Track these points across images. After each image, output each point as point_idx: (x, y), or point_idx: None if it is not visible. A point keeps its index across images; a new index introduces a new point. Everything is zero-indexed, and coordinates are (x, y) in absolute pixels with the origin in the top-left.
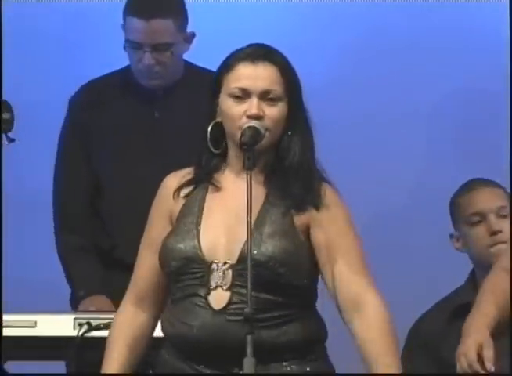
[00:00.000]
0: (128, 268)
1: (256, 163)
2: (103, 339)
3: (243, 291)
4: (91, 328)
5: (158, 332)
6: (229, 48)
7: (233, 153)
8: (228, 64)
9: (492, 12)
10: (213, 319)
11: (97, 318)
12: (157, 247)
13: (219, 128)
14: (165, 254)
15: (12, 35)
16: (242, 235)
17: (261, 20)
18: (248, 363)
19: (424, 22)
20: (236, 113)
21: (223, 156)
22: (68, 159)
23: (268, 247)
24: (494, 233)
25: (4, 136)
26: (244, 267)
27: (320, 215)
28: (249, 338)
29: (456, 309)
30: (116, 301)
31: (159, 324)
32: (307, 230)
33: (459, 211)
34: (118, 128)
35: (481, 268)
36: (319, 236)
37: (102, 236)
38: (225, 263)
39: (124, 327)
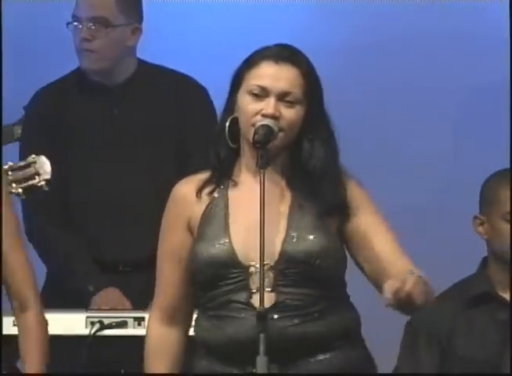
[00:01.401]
0: (101, 264)
1: (271, 163)
2: (115, 338)
3: (288, 289)
4: (103, 327)
5: None
6: (230, 47)
7: (248, 152)
8: (251, 61)
9: (495, 9)
10: (260, 320)
11: (109, 316)
12: (180, 257)
13: (236, 124)
14: (197, 263)
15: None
16: (274, 234)
17: (263, 19)
18: (261, 362)
19: (428, 20)
20: (252, 111)
21: (237, 153)
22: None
23: (306, 244)
24: None
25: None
26: (285, 266)
27: (351, 212)
28: (262, 336)
29: (469, 300)
30: None
31: None
32: (340, 228)
33: (496, 204)
34: (78, 128)
35: (500, 261)
36: (354, 226)
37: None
38: (265, 264)
39: (160, 349)
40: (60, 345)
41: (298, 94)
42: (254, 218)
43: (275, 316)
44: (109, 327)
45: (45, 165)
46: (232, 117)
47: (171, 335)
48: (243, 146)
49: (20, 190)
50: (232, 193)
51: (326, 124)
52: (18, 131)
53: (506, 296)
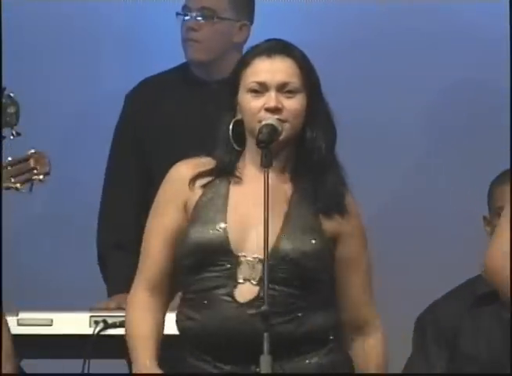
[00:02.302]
0: None
1: (277, 158)
2: (119, 337)
3: (273, 285)
4: (107, 326)
5: (173, 330)
6: None
7: (253, 149)
8: (245, 60)
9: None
10: (237, 312)
11: (113, 316)
12: (171, 235)
13: (240, 126)
14: (188, 245)
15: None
16: (271, 230)
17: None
18: (265, 361)
19: (425, 19)
20: (255, 107)
21: (241, 151)
22: (120, 155)
23: (300, 242)
24: None
25: (10, 130)
26: (275, 263)
27: (345, 226)
28: (266, 335)
29: (476, 299)
30: None
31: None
32: (333, 238)
33: (493, 200)
34: (171, 125)
35: None
36: (340, 250)
37: None
38: (255, 257)
39: (143, 311)
40: (64, 344)
41: (296, 83)
42: (252, 212)
43: (254, 311)
44: (113, 326)
45: (43, 159)
46: (235, 119)
47: (154, 303)
48: (249, 142)
49: (18, 185)
50: (235, 185)
51: (327, 114)
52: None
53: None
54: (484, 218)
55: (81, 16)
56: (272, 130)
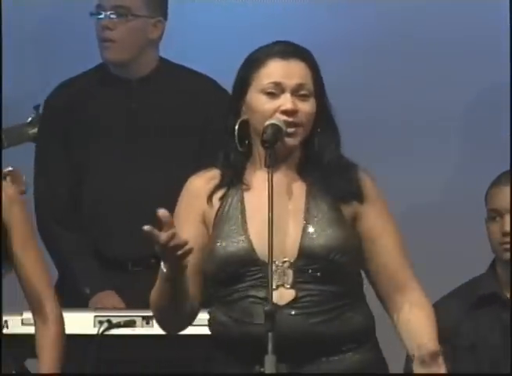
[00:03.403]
0: (110, 262)
1: (286, 160)
2: (123, 337)
3: (308, 286)
4: (111, 326)
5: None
6: (237, 44)
7: (262, 152)
8: (256, 61)
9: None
10: (279, 315)
11: (117, 315)
12: (194, 247)
13: (244, 127)
14: (216, 261)
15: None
16: (292, 231)
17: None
18: (269, 361)
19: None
20: (269, 110)
21: (246, 154)
22: (48, 158)
23: (324, 238)
24: (505, 234)
25: None
26: (305, 263)
27: (364, 207)
28: (270, 335)
29: (477, 299)
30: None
31: None
32: (354, 221)
33: (486, 202)
34: (97, 123)
35: (498, 261)
36: (365, 229)
37: (83, 232)
38: (284, 262)
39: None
40: (68, 344)
41: (310, 86)
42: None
43: (293, 312)
44: (118, 326)
45: (19, 177)
46: (241, 120)
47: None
48: (257, 145)
49: None
50: (247, 192)
51: (332, 117)
52: (30, 131)
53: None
54: (486, 220)
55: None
56: (277, 130)
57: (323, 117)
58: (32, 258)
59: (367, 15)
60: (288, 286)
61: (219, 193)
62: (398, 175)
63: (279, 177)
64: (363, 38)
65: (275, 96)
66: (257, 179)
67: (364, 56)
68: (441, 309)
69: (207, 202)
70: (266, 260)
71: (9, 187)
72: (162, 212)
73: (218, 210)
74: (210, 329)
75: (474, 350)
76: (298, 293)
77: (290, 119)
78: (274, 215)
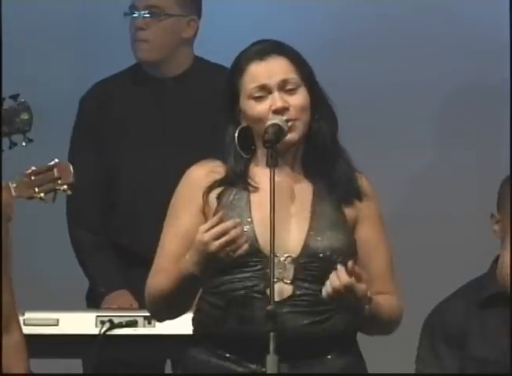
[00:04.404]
0: (145, 261)
1: (286, 156)
2: (125, 337)
3: (306, 284)
4: (113, 326)
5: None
6: (236, 42)
7: (264, 153)
8: (239, 68)
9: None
10: (269, 318)
11: (119, 315)
12: (188, 238)
13: (245, 133)
14: None
15: (24, 34)
16: (298, 228)
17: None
18: (271, 361)
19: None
20: (261, 112)
21: (251, 158)
22: (80, 157)
23: (328, 240)
24: None
25: (22, 136)
26: (307, 261)
27: (363, 208)
28: (272, 335)
29: (483, 300)
30: (137, 297)
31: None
32: (354, 224)
33: (505, 203)
34: (129, 123)
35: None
36: (360, 234)
37: (118, 232)
38: (288, 256)
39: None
40: (70, 344)
41: (295, 79)
42: (278, 212)
43: (287, 310)
44: (119, 326)
45: (67, 169)
46: (240, 127)
47: None
48: (259, 149)
49: (42, 195)
50: (253, 189)
51: (327, 105)
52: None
53: None
54: (493, 215)
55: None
56: (278, 130)
57: (318, 106)
58: (8, 280)
59: (367, 14)
60: (288, 281)
61: (221, 187)
62: (396, 173)
63: (285, 175)
64: (364, 38)
65: (264, 98)
66: (263, 179)
67: (364, 56)
68: (448, 309)
69: (208, 192)
70: (268, 252)
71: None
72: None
73: (221, 199)
74: (197, 320)
75: (484, 351)
76: (296, 290)
77: (284, 117)
78: (280, 213)
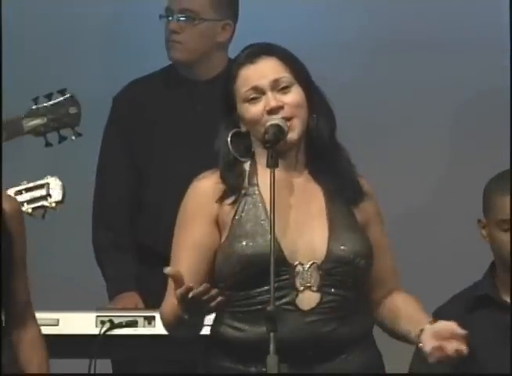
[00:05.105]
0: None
1: (287, 156)
2: (125, 337)
3: (333, 290)
4: (113, 326)
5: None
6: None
7: (265, 154)
8: (232, 74)
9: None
10: (304, 320)
11: (119, 315)
12: (201, 248)
13: (244, 138)
14: (238, 261)
15: (56, 35)
16: (318, 233)
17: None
18: (272, 361)
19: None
20: (256, 113)
21: (252, 160)
22: (110, 155)
23: (351, 243)
24: None
25: (71, 130)
26: (333, 266)
27: (368, 209)
28: (272, 335)
29: (473, 300)
30: (155, 296)
31: None
32: (365, 225)
33: (492, 210)
34: (160, 124)
35: (503, 266)
36: (371, 234)
37: (144, 232)
38: (313, 263)
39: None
40: (70, 344)
41: (287, 77)
42: (293, 217)
43: (316, 318)
44: (120, 326)
45: (57, 187)
46: (233, 131)
47: None
48: (261, 151)
49: (30, 210)
50: (266, 195)
51: (324, 102)
52: (28, 123)
53: (508, 299)
54: (479, 221)
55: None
56: (278, 130)
57: (316, 103)
58: (24, 279)
59: (367, 13)
60: (315, 289)
61: (230, 198)
62: (395, 175)
63: (292, 177)
64: (363, 38)
65: (259, 100)
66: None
67: (364, 55)
68: (443, 311)
69: (219, 204)
70: (293, 261)
71: (13, 200)
72: (168, 270)
73: (235, 213)
74: (216, 332)
75: (472, 352)
76: (324, 297)
77: (279, 116)
78: (299, 217)
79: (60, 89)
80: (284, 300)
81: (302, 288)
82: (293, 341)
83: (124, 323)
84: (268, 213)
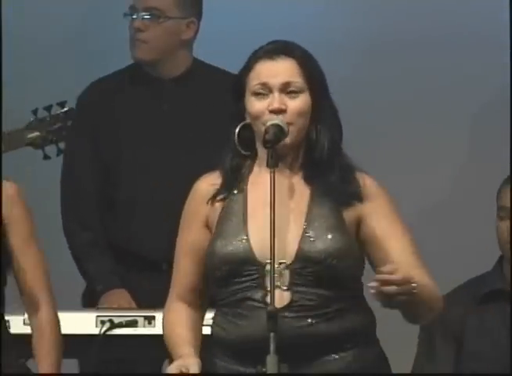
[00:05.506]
0: (144, 262)
1: (286, 159)
2: (125, 337)
3: (303, 289)
4: (113, 326)
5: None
6: (244, 42)
7: (263, 153)
8: (248, 65)
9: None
10: (270, 319)
11: (119, 315)
12: (196, 252)
13: (249, 130)
14: (214, 260)
15: (24, 34)
16: (291, 233)
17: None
18: (272, 361)
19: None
20: (259, 110)
21: (252, 156)
22: (78, 155)
23: (323, 243)
24: None
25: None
26: (302, 266)
27: (366, 207)
28: (272, 335)
29: (483, 295)
30: (133, 296)
31: None
32: (356, 225)
33: (496, 200)
34: (127, 123)
35: (505, 257)
36: (370, 229)
37: (115, 231)
38: (281, 263)
39: (179, 315)
40: (70, 343)
41: (299, 83)
42: (271, 216)
43: (290, 315)
44: (120, 326)
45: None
46: (243, 123)
47: (189, 311)
48: (259, 147)
49: None
50: (251, 192)
51: (332, 112)
52: (28, 135)
53: None
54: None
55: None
56: (279, 130)
57: (320, 112)
58: (31, 259)
59: (368, 13)
60: (285, 288)
61: (221, 195)
62: (404, 174)
63: (284, 178)
64: (363, 38)
65: (265, 96)
66: (262, 180)
67: (363, 55)
68: (450, 306)
69: (210, 205)
70: (263, 261)
71: (9, 187)
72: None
73: (221, 210)
74: (212, 331)
75: (481, 348)
76: (293, 296)
77: (280, 118)
78: (276, 217)
79: (60, 102)
80: (255, 299)
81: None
82: (267, 340)
83: (124, 323)
84: (249, 212)
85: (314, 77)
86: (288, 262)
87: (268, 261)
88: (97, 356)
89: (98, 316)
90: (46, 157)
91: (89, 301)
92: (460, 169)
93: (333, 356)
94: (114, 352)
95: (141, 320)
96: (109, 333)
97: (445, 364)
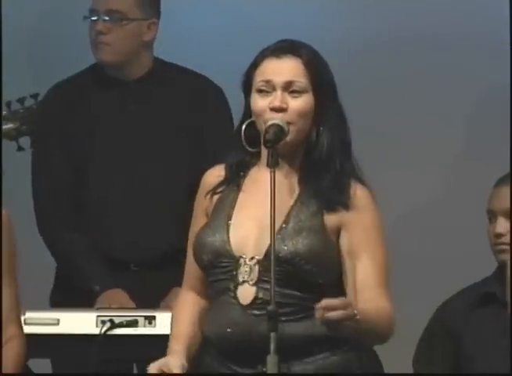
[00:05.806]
0: (114, 262)
1: (285, 158)
2: (126, 337)
3: (269, 286)
4: (113, 325)
5: None
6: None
7: (265, 151)
8: (255, 62)
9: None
10: (241, 316)
11: (120, 315)
12: None
13: (255, 127)
14: (196, 249)
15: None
16: (268, 231)
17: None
18: (272, 361)
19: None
20: (261, 107)
21: (257, 154)
22: (46, 158)
23: (293, 243)
24: (496, 236)
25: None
26: (270, 263)
27: (349, 217)
28: (272, 335)
29: (481, 297)
30: None
31: None
32: (337, 232)
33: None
34: (94, 124)
35: (498, 260)
36: (344, 241)
37: (89, 232)
38: (253, 258)
39: (186, 307)
40: (70, 343)
41: (303, 83)
42: (257, 213)
43: (254, 313)
44: (120, 325)
45: None
46: (249, 120)
47: (197, 300)
48: (262, 147)
49: None
50: (246, 188)
51: (337, 114)
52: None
53: None
54: None
55: None
56: (279, 130)
57: (324, 114)
58: (6, 291)
59: (368, 13)
60: (252, 283)
61: (221, 188)
62: (404, 174)
63: (280, 176)
64: (363, 37)
65: (268, 94)
66: (260, 177)
67: (364, 55)
68: (449, 308)
69: (210, 197)
70: (238, 254)
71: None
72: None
73: (216, 202)
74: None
75: (477, 350)
76: (259, 292)
77: (280, 116)
78: (258, 213)
79: (33, 94)
80: (228, 292)
81: (241, 281)
82: (238, 337)
83: (124, 323)
84: (236, 207)
85: (319, 78)
86: (259, 258)
87: (243, 255)
88: (97, 356)
89: (98, 316)
90: (20, 148)
91: (87, 302)
92: (458, 169)
93: (304, 359)
94: (114, 352)
95: (141, 320)
96: (109, 333)
97: (440, 364)
